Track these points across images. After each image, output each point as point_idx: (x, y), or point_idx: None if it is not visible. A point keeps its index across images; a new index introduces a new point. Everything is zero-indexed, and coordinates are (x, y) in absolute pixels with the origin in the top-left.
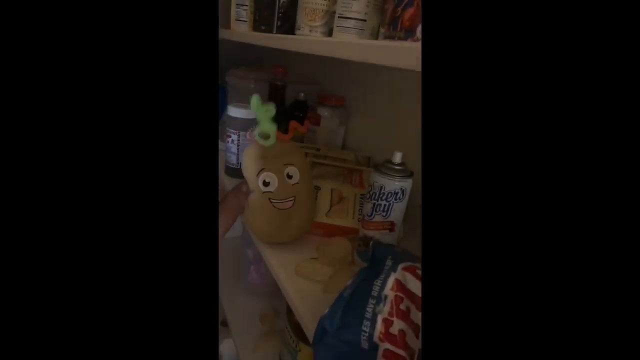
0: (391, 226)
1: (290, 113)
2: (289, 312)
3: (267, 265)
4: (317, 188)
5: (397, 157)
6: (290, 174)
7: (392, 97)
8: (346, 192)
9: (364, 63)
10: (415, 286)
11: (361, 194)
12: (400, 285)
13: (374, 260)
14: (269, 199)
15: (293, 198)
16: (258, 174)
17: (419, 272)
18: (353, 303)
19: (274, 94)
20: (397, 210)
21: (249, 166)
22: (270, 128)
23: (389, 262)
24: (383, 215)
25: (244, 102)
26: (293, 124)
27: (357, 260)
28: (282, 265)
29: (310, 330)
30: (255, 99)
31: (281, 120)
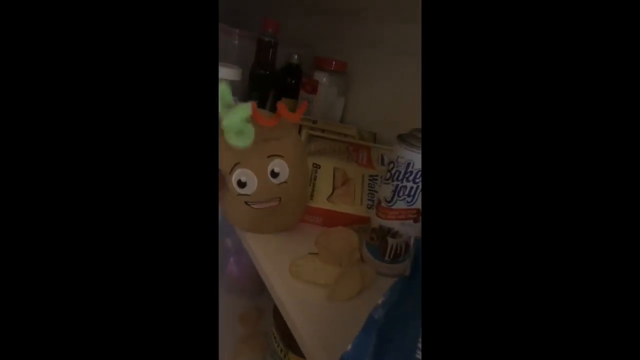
0: (417, 215)
1: (281, 79)
2: (276, 313)
3: (253, 261)
4: (316, 166)
5: None
6: (277, 171)
7: (401, 62)
8: (352, 173)
9: (366, 19)
10: None
11: (370, 175)
12: None
13: (419, 264)
14: (245, 202)
15: (278, 199)
16: (231, 171)
17: None
18: (390, 330)
19: (262, 54)
20: None
21: (220, 157)
22: (245, 127)
23: None
24: (408, 202)
25: (227, 61)
26: (282, 107)
27: (367, 257)
28: (272, 262)
29: (312, 355)
30: (223, 88)
31: (269, 87)
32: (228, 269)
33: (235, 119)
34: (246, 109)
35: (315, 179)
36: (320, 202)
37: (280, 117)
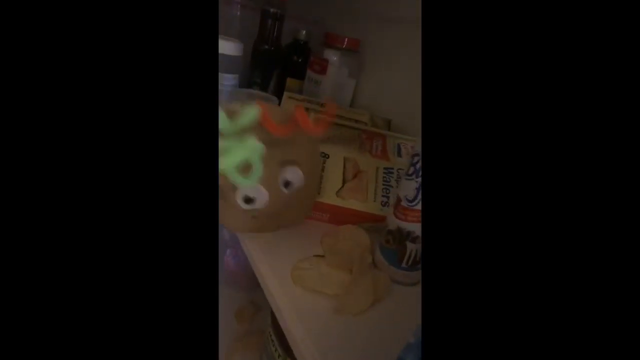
0: None
1: (287, 56)
2: (274, 312)
3: (249, 261)
4: (325, 156)
5: None
6: (290, 179)
7: (420, 42)
8: (365, 164)
9: None
10: None
11: (385, 168)
12: None
13: None
14: (252, 215)
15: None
16: (236, 189)
17: None
18: None
19: (266, 28)
20: None
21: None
22: (253, 157)
23: None
24: None
25: (228, 34)
26: (300, 112)
27: (381, 262)
28: (271, 264)
29: None
30: (222, 116)
31: (273, 66)
32: (224, 261)
33: (238, 157)
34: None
35: (322, 170)
36: (328, 196)
37: (296, 125)
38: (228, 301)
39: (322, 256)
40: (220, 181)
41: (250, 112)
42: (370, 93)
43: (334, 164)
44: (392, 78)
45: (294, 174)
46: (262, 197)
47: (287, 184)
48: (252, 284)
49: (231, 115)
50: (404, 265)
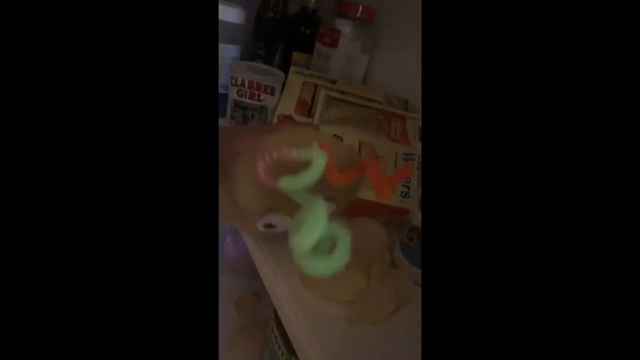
0: None
1: (294, 26)
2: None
3: (253, 260)
4: (338, 139)
5: None
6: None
7: None
8: (382, 149)
9: None
10: None
11: (404, 153)
12: None
13: None
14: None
15: None
16: (261, 215)
17: None
18: None
19: None
20: None
21: (246, 198)
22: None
23: None
24: None
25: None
26: (371, 165)
27: (402, 262)
28: (278, 263)
29: None
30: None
31: (279, 37)
32: (224, 249)
33: (316, 234)
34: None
35: None
36: None
37: (359, 176)
38: (228, 289)
39: None
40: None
41: (319, 161)
42: (384, 70)
43: None
44: (408, 54)
45: (327, 207)
46: (284, 224)
47: None
48: (253, 271)
49: (288, 168)
50: None
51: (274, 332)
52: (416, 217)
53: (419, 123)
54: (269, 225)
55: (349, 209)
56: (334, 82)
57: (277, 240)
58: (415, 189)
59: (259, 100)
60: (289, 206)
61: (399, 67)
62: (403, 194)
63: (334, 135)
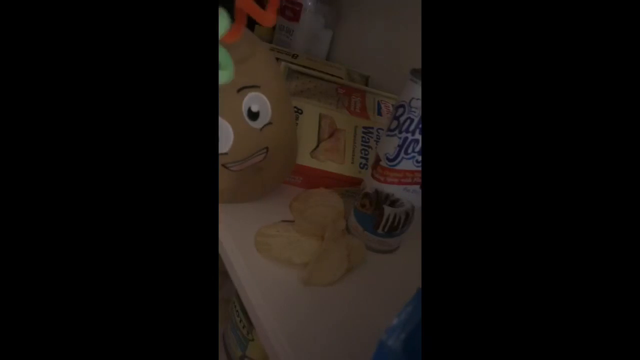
0: None
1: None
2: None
3: None
4: (298, 111)
5: None
6: (255, 109)
7: None
8: (342, 122)
9: None
10: None
11: (364, 127)
12: None
13: None
14: (222, 164)
15: (264, 150)
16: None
17: None
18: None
19: None
20: None
21: None
22: (223, 56)
23: None
24: (418, 161)
25: None
26: (247, 3)
27: (356, 228)
28: (233, 231)
29: (276, 354)
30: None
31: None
32: None
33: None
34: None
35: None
36: (302, 157)
37: (244, 22)
38: None
39: (291, 222)
40: None
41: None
42: (348, 46)
43: (308, 121)
44: (372, 30)
45: (257, 101)
46: (225, 133)
47: (252, 114)
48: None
49: None
50: (380, 231)
51: (235, 305)
52: (368, 184)
53: (379, 99)
54: (252, 114)
55: (312, 181)
56: (295, 56)
57: (234, 209)
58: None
59: None
60: (220, 102)
61: (363, 44)
62: (361, 165)
63: (295, 107)
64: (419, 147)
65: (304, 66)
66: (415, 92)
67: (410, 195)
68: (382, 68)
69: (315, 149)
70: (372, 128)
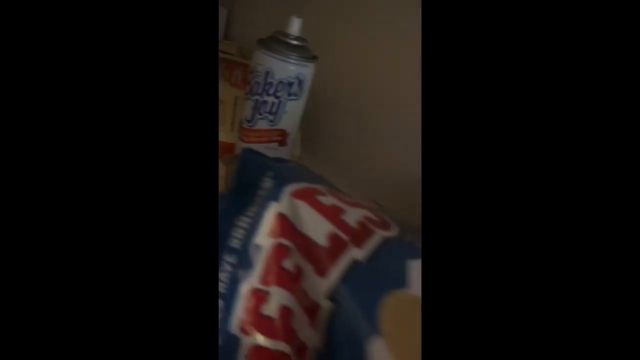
0: (282, 136)
1: None
2: None
3: None
4: None
5: (295, 26)
6: None
7: None
8: (224, 94)
9: None
10: (315, 227)
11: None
12: (285, 225)
13: (241, 180)
14: None
15: None
16: None
17: (324, 199)
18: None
19: None
20: (291, 113)
21: None
22: None
23: (267, 184)
24: (270, 120)
25: None
26: None
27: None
28: None
29: None
30: None
31: None
32: None
33: None
34: None
35: None
36: None
37: None
38: None
39: None
40: None
41: None
42: (243, 25)
43: None
44: (267, 8)
45: None
46: None
47: None
48: None
49: None
50: None
51: None
52: (238, 147)
53: None
54: None
55: None
56: None
57: None
58: None
59: None
60: None
61: (260, 21)
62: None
63: None
64: (268, 107)
65: None
66: (258, 59)
67: (271, 153)
68: None
69: None
70: None
